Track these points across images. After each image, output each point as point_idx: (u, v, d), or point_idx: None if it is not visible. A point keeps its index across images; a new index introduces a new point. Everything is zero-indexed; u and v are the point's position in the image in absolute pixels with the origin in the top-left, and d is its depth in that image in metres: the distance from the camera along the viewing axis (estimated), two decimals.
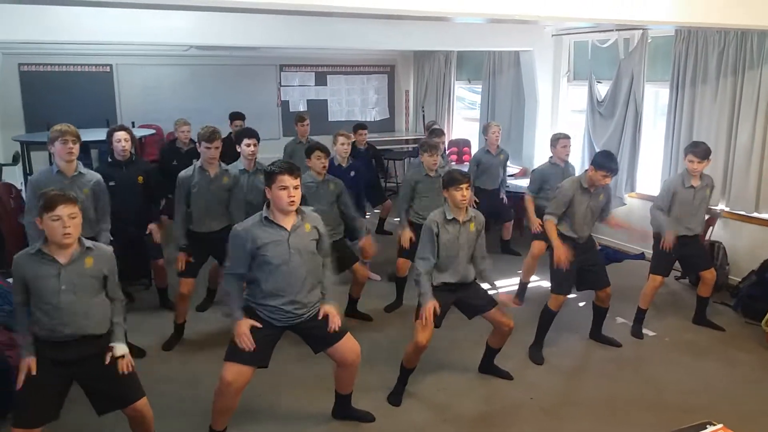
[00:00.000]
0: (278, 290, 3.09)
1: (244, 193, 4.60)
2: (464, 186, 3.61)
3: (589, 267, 4.32)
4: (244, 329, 3.08)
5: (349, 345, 3.28)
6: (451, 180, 3.64)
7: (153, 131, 8.51)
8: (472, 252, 3.78)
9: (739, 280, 5.33)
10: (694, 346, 4.60)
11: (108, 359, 2.84)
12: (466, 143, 9.00)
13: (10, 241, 5.08)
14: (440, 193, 4.96)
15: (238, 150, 4.82)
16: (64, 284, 2.74)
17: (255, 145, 4.76)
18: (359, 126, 7.08)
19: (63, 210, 2.67)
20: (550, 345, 4.42)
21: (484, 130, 6.56)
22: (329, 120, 9.91)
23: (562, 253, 4.14)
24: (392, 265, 5.84)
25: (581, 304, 5.19)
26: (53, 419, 2.78)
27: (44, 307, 2.75)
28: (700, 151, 4.49)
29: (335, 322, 3.22)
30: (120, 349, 2.88)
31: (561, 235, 4.27)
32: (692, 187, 4.54)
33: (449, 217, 3.67)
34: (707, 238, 5.51)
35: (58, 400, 2.82)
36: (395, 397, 3.78)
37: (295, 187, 3.01)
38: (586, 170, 4.25)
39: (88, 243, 2.86)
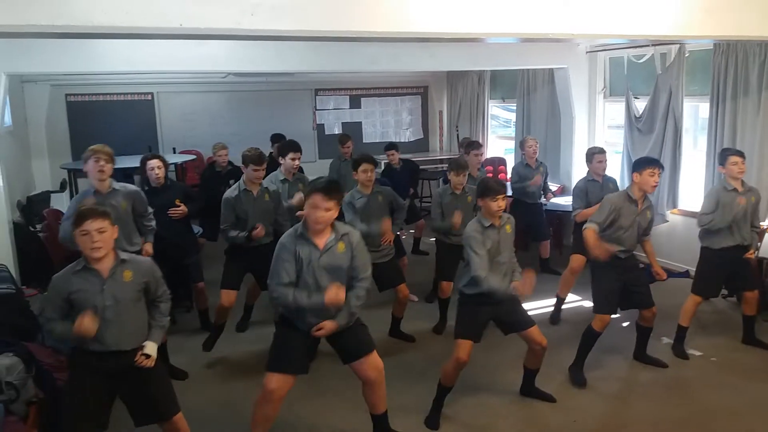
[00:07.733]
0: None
1: (286, 200, 4.92)
2: (500, 197, 3.59)
3: (633, 286, 4.20)
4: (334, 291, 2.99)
5: (372, 361, 3.26)
6: (487, 190, 3.60)
7: (193, 156, 8.73)
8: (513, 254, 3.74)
9: None
10: (743, 366, 4.44)
11: (137, 356, 2.85)
12: (502, 161, 8.93)
13: (58, 266, 5.22)
14: (466, 208, 4.91)
15: (281, 162, 5.18)
16: (108, 300, 2.78)
17: (299, 159, 5.21)
18: (390, 146, 7.23)
19: (91, 225, 2.72)
20: (594, 366, 4.32)
21: (521, 145, 6.57)
22: (364, 142, 9.98)
23: (601, 251, 3.88)
24: (429, 285, 5.83)
25: (624, 324, 5.06)
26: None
27: None
28: (735, 150, 4.43)
29: (326, 330, 3.12)
30: (149, 348, 2.89)
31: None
32: (735, 190, 4.41)
33: (486, 225, 3.63)
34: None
35: (104, 413, 2.90)
36: (433, 420, 3.73)
37: (326, 209, 3.02)
38: (632, 183, 4.12)
39: (123, 255, 2.89)
